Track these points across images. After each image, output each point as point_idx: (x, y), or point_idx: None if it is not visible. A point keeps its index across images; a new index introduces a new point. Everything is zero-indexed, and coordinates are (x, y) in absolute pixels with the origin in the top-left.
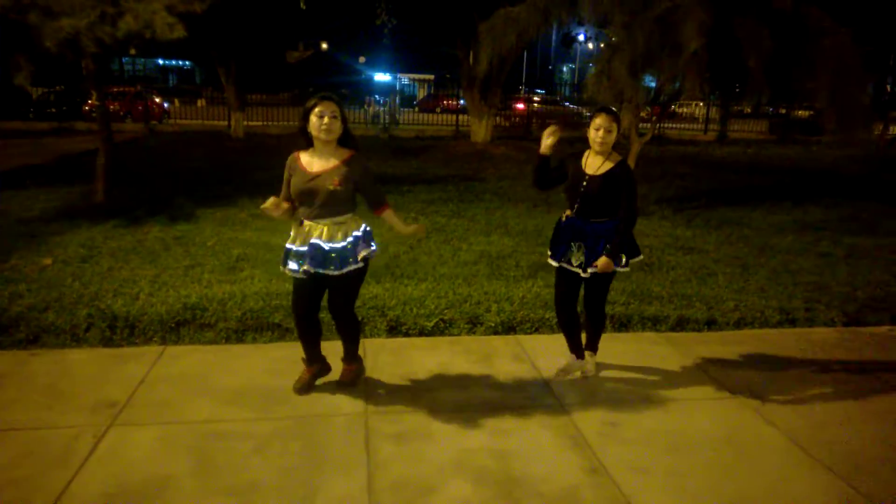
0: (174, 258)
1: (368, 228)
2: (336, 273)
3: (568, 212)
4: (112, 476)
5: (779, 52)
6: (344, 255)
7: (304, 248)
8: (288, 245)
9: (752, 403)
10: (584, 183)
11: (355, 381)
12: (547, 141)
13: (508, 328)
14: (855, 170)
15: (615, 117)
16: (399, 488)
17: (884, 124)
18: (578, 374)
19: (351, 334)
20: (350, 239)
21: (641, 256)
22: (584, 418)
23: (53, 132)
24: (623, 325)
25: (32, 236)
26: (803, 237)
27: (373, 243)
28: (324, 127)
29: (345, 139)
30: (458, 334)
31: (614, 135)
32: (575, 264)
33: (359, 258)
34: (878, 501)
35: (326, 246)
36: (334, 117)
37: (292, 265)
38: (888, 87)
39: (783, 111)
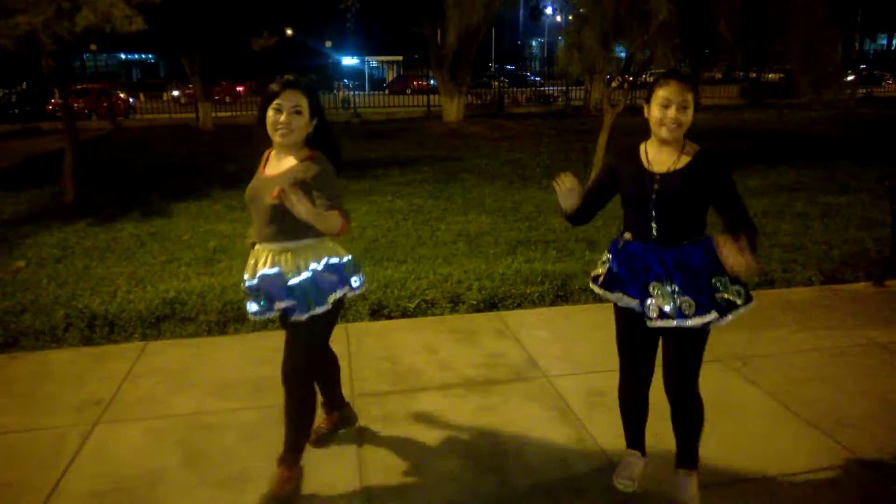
0: (150, 254)
1: (344, 260)
2: (296, 318)
3: (628, 234)
4: (102, 473)
5: (748, 14)
6: (305, 294)
7: (255, 282)
8: (245, 277)
9: (733, 365)
10: (656, 186)
11: (290, 499)
12: (568, 196)
13: (490, 305)
14: (827, 130)
15: (691, 86)
16: (390, 469)
17: (854, 82)
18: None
19: (300, 415)
20: (308, 273)
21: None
22: (570, 389)
23: (18, 134)
24: None
25: (4, 240)
26: (778, 199)
27: (354, 278)
28: (280, 127)
29: (319, 139)
30: (441, 314)
31: (691, 113)
32: (654, 315)
33: (328, 300)
34: (860, 455)
35: (282, 277)
36: (297, 112)
37: (252, 306)
38: (857, 46)
39: (753, 75)
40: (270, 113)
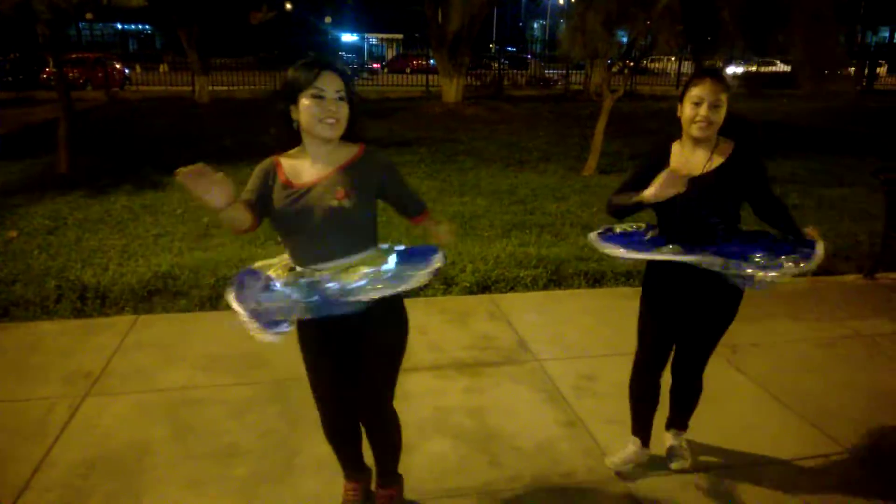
0: (143, 227)
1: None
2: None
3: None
4: (91, 444)
5: (751, 3)
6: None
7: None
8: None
9: (723, 352)
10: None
11: None
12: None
13: (483, 287)
14: (826, 122)
15: (725, 85)
16: None
17: (855, 74)
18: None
19: (393, 438)
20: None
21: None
22: (560, 373)
23: (11, 102)
24: (597, 280)
25: None
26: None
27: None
28: (329, 116)
29: (350, 131)
30: (434, 295)
31: (723, 112)
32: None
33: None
34: (844, 443)
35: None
36: (341, 98)
37: (284, 326)
38: (859, 38)
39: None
40: (307, 101)
